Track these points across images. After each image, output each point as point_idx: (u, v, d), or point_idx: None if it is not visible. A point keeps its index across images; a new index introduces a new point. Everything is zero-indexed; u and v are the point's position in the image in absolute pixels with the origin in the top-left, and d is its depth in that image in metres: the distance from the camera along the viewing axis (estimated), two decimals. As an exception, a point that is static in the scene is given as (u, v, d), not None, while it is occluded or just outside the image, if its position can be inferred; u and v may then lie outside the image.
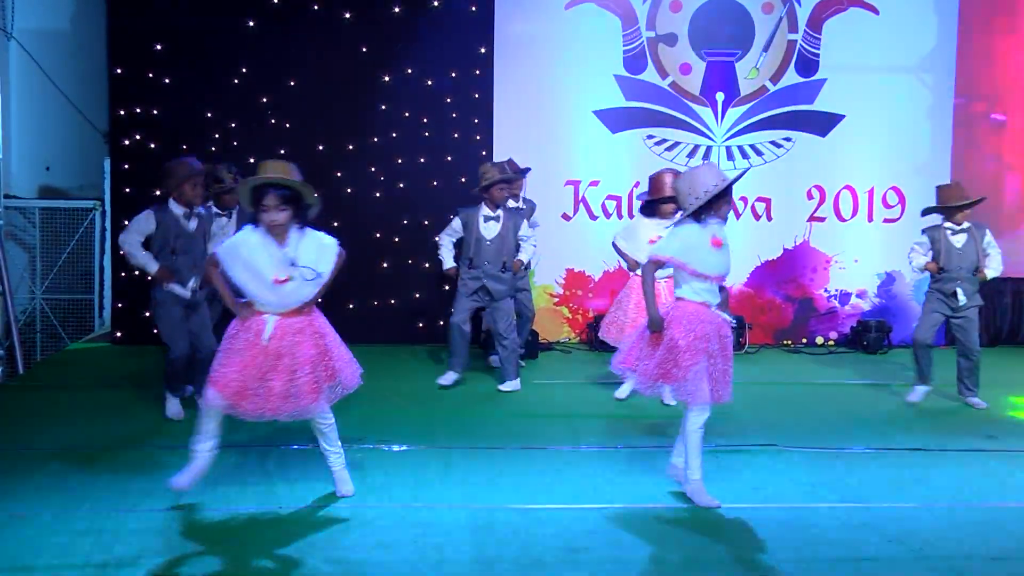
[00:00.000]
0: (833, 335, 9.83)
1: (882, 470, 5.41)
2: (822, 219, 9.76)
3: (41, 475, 5.06)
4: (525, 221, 7.55)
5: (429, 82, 9.28)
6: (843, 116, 9.64)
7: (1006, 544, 4.35)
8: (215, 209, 6.84)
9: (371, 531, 4.35)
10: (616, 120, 9.55)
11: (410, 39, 9.19)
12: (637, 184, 9.29)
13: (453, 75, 9.29)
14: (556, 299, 9.68)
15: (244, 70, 9.08)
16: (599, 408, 6.87)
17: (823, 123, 9.67)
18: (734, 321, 5.06)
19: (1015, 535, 4.46)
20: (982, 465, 5.53)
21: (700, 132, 9.61)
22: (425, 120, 9.29)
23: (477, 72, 9.31)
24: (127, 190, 9.02)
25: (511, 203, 7.71)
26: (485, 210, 7.28)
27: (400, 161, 9.30)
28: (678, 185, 4.82)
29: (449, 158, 9.31)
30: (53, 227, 9.68)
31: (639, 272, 6.20)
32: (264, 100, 9.12)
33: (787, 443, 5.85)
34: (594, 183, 9.59)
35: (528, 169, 8.33)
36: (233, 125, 9.08)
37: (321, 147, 9.16)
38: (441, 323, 8.92)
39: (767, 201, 9.70)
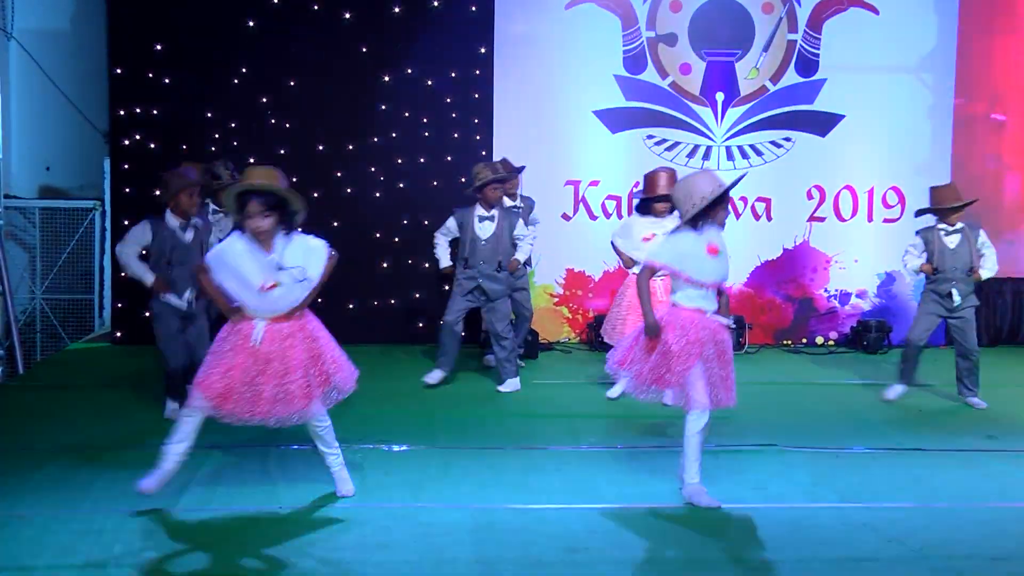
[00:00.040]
0: (833, 335, 9.83)
1: (882, 470, 5.40)
2: (822, 219, 9.75)
3: (41, 475, 5.05)
4: (521, 220, 7.54)
5: (429, 82, 9.27)
6: (843, 116, 9.64)
7: (1006, 544, 4.35)
8: (213, 207, 6.84)
9: (371, 531, 4.35)
10: (616, 120, 9.54)
11: (410, 39, 9.18)
12: (637, 184, 9.26)
13: (453, 75, 9.28)
14: (556, 299, 9.67)
15: (244, 70, 9.07)
16: (599, 408, 6.87)
17: (823, 123, 9.67)
18: (733, 323, 5.06)
19: (1015, 535, 4.46)
20: (982, 465, 5.53)
21: (700, 132, 9.61)
22: (425, 120, 9.29)
23: (477, 72, 9.30)
24: (127, 190, 9.02)
25: (508, 202, 7.70)
26: (480, 210, 7.28)
27: (400, 161, 9.30)
28: (675, 192, 4.84)
29: (449, 158, 9.30)
30: (53, 227, 9.68)
31: (634, 270, 6.20)
32: (264, 100, 9.11)
33: (787, 443, 5.85)
34: (594, 183, 9.59)
35: (523, 167, 8.30)
36: (233, 125, 9.08)
37: (321, 147, 9.16)
38: (441, 323, 8.90)
39: (767, 201, 9.70)
